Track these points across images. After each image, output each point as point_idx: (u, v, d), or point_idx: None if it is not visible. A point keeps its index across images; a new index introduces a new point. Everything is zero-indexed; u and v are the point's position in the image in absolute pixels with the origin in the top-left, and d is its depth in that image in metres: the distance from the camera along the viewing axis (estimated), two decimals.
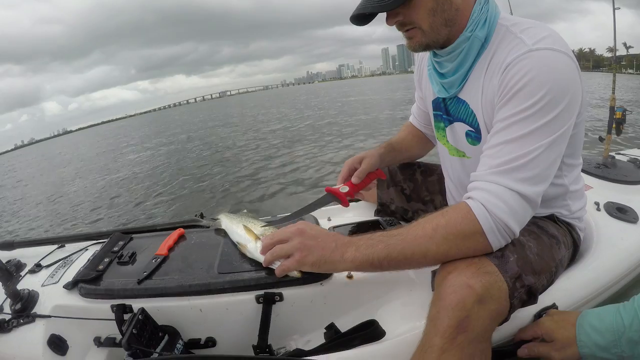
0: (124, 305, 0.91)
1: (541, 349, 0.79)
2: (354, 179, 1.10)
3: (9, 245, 1.27)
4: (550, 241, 0.87)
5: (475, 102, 0.88)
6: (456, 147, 1.01)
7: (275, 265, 0.87)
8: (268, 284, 0.90)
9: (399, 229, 0.79)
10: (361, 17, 0.85)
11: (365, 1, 0.82)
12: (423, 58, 1.08)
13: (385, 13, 0.82)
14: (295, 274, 0.87)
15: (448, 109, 0.97)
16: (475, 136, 0.92)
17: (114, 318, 0.90)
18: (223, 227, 1.14)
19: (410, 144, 1.29)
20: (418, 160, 1.36)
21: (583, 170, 1.60)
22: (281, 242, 0.86)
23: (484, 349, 0.69)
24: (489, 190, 0.73)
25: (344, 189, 1.09)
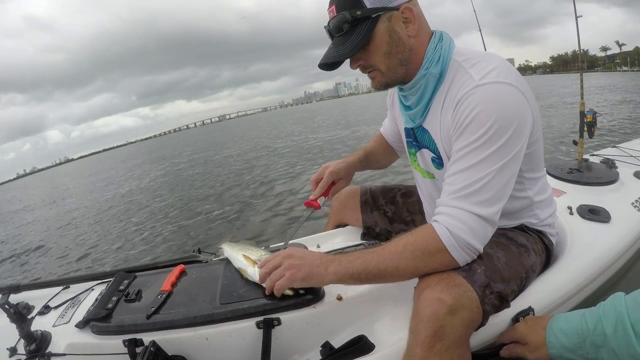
0: (135, 339, 0.96)
1: (518, 350, 0.87)
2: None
3: (16, 289, 1.30)
4: (519, 250, 0.96)
5: (435, 132, 0.97)
6: (427, 170, 1.10)
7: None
8: (267, 310, 0.97)
9: (376, 247, 0.88)
10: (329, 65, 0.96)
11: (329, 51, 0.93)
12: (395, 89, 1.18)
13: (349, 59, 0.93)
14: (288, 292, 0.97)
15: (417, 137, 1.07)
16: (438, 162, 1.02)
17: (127, 352, 0.95)
18: (226, 255, 1.22)
19: (381, 155, 1.43)
20: (398, 184, 1.48)
21: (557, 177, 1.70)
22: (275, 268, 0.96)
23: (462, 353, 0.77)
24: (449, 214, 0.82)
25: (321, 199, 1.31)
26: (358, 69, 0.96)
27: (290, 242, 1.32)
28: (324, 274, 0.90)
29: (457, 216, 0.81)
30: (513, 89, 0.82)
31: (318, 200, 1.29)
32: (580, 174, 1.72)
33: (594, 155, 2.03)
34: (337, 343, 0.95)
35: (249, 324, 0.97)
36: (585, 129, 1.97)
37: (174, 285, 1.13)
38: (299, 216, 3.74)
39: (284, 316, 0.97)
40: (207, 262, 1.29)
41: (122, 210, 6.46)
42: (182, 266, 1.23)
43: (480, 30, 2.12)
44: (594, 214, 1.35)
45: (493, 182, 0.81)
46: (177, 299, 1.07)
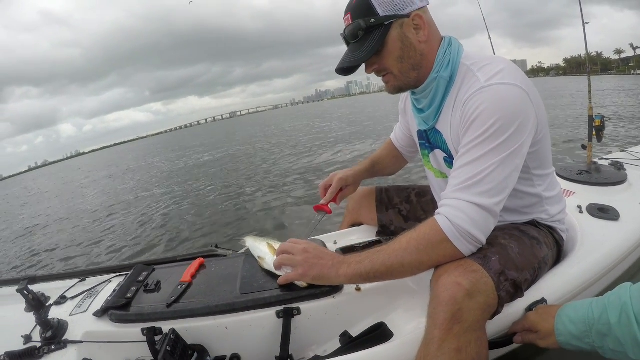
0: (154, 327, 0.98)
1: (530, 337, 0.89)
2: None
3: (32, 280, 1.33)
4: (532, 242, 0.99)
5: (446, 132, 1.02)
6: (440, 170, 1.15)
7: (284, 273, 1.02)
8: (287, 300, 1.00)
9: (382, 246, 0.91)
10: (345, 69, 1.00)
11: (345, 56, 0.99)
12: (407, 93, 1.22)
13: (364, 64, 0.98)
14: (303, 284, 1.00)
15: (429, 138, 1.11)
16: (450, 161, 1.05)
17: (145, 340, 0.97)
18: (247, 245, 1.26)
19: (389, 163, 1.49)
20: (412, 184, 1.52)
21: (566, 178, 1.72)
22: (287, 253, 1.01)
23: (479, 337, 0.78)
24: (451, 205, 0.85)
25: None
26: (373, 73, 1.01)
27: (309, 239, 1.34)
28: (334, 276, 0.94)
29: (457, 206, 0.84)
30: (517, 89, 0.86)
31: (329, 206, 1.35)
32: (589, 175, 1.74)
33: (602, 159, 2.05)
34: (355, 333, 0.98)
35: (269, 313, 0.99)
36: (594, 133, 1.99)
37: (193, 276, 1.15)
38: (310, 218, 3.78)
39: (303, 306, 0.99)
40: (226, 256, 1.31)
41: (138, 206, 6.49)
42: (201, 259, 1.25)
43: (489, 34, 2.15)
44: (603, 212, 1.37)
45: (494, 174, 0.84)
46: (197, 290, 1.09)
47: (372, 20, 0.92)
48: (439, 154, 1.10)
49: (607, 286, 1.18)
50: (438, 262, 0.86)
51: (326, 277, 0.95)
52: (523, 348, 0.99)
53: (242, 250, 1.27)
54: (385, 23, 0.92)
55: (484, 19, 2.15)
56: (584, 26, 2.15)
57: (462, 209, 0.83)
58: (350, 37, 0.96)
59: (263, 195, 5.22)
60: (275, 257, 1.06)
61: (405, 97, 1.26)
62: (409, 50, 0.95)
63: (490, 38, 2.17)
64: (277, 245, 1.16)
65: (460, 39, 1.03)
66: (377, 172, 1.48)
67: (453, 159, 1.02)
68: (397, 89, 1.02)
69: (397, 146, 1.45)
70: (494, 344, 0.91)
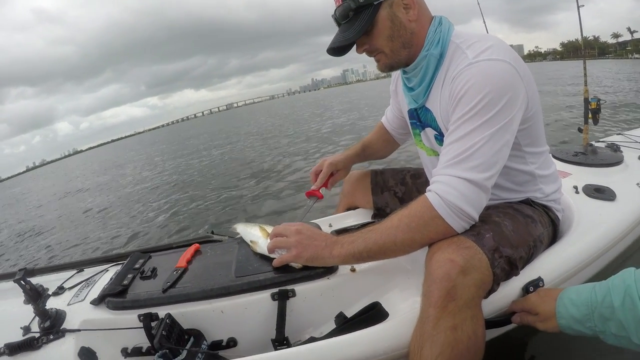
0: (150, 313, 0.98)
1: (529, 318, 0.88)
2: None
3: (30, 273, 1.33)
4: (526, 220, 0.98)
5: (436, 110, 1.02)
6: (431, 148, 1.14)
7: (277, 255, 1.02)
8: (281, 282, 1.00)
9: (375, 225, 0.92)
10: (336, 50, 1.00)
11: (336, 37, 0.99)
12: (398, 74, 1.23)
13: (355, 45, 0.99)
14: (297, 265, 1.01)
15: (420, 117, 1.11)
16: (440, 138, 1.05)
17: (142, 326, 0.97)
18: (239, 231, 1.26)
19: (380, 147, 1.50)
20: (407, 166, 1.52)
21: (562, 160, 1.72)
22: (281, 235, 1.02)
23: (475, 315, 0.78)
24: (442, 181, 0.85)
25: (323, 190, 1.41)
26: (364, 53, 1.02)
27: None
28: (328, 256, 0.94)
29: (448, 182, 0.84)
30: (506, 65, 0.86)
31: (320, 191, 1.36)
32: (585, 156, 1.73)
33: (599, 141, 2.05)
34: (351, 314, 0.97)
35: (264, 295, 0.99)
36: (590, 115, 1.99)
37: (189, 262, 1.16)
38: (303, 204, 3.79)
39: (298, 287, 1.00)
40: (221, 241, 1.31)
41: (134, 196, 6.51)
42: (197, 245, 1.26)
43: (483, 19, 2.14)
44: (599, 192, 1.37)
45: (484, 149, 0.84)
46: (193, 274, 1.09)
47: (362, 1, 0.93)
48: (429, 132, 1.10)
49: (604, 267, 1.18)
50: (431, 240, 0.86)
51: (320, 257, 0.95)
52: (520, 330, 0.99)
53: (238, 236, 1.28)
54: (375, 3, 0.93)
55: (478, 3, 2.16)
56: (578, 9, 2.15)
57: (453, 184, 0.83)
58: (341, 18, 0.97)
59: (256, 182, 5.23)
60: (269, 241, 1.06)
61: (396, 78, 1.26)
62: (398, 29, 0.95)
63: (484, 23, 2.16)
64: (269, 229, 1.16)
65: (456, 24, 1.03)
66: (368, 155, 1.49)
67: (443, 136, 1.02)
68: (388, 67, 1.03)
69: (388, 129, 1.46)
70: (492, 323, 0.91)
